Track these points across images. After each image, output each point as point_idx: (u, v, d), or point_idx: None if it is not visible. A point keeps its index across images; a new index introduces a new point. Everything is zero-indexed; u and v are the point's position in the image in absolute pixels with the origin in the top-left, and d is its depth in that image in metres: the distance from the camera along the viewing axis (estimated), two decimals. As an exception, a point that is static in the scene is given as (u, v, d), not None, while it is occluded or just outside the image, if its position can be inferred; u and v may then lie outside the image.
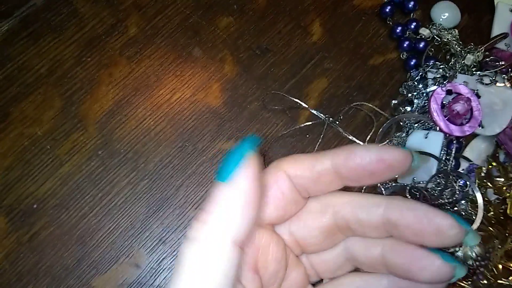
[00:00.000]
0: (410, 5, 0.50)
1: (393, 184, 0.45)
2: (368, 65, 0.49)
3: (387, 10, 0.50)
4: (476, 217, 0.43)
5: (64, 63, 0.45)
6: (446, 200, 0.44)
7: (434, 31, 0.49)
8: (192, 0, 0.49)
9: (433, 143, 0.43)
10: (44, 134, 0.43)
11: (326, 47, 0.49)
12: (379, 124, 0.47)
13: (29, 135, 0.43)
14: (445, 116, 0.44)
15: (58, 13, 0.47)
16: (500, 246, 0.43)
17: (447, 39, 0.48)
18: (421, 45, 0.49)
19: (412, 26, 0.49)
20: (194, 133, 0.45)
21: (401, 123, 0.47)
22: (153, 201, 0.43)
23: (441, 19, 0.50)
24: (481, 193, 0.43)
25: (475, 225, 0.42)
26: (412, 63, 0.48)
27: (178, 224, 0.42)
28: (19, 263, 0.40)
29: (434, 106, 0.44)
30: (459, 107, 0.43)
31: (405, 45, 0.49)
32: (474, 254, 0.42)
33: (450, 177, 0.43)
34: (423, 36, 0.49)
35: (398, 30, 0.49)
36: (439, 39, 0.49)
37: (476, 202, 0.43)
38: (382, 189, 0.44)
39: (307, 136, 0.46)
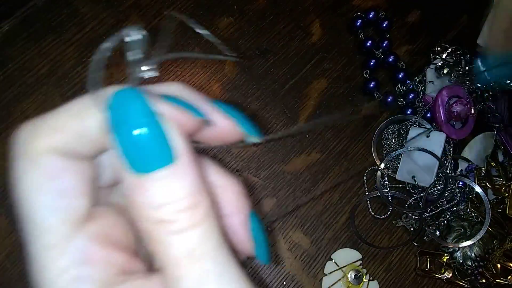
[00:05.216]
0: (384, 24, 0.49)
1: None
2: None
3: (358, 24, 0.48)
4: (474, 216, 0.43)
5: (65, 63, 0.45)
6: (445, 200, 0.44)
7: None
8: (192, 1, 0.49)
9: (435, 143, 0.43)
10: (45, 134, 0.44)
11: (326, 47, 0.49)
12: (377, 123, 0.47)
13: (30, 135, 0.43)
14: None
15: (58, 13, 0.47)
16: (498, 246, 0.43)
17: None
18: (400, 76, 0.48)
19: (384, 45, 0.48)
20: (194, 133, 0.45)
21: (397, 124, 0.47)
22: (154, 201, 0.43)
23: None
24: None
25: (485, 229, 0.42)
26: (389, 99, 0.47)
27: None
28: (21, 262, 0.40)
29: (440, 108, 0.44)
30: (459, 108, 0.43)
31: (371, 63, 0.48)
32: (473, 254, 0.43)
33: (450, 178, 0.44)
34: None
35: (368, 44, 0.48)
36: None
37: (475, 202, 0.43)
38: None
39: (307, 136, 0.46)
